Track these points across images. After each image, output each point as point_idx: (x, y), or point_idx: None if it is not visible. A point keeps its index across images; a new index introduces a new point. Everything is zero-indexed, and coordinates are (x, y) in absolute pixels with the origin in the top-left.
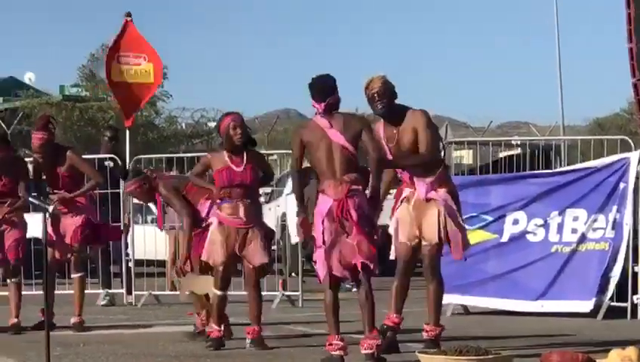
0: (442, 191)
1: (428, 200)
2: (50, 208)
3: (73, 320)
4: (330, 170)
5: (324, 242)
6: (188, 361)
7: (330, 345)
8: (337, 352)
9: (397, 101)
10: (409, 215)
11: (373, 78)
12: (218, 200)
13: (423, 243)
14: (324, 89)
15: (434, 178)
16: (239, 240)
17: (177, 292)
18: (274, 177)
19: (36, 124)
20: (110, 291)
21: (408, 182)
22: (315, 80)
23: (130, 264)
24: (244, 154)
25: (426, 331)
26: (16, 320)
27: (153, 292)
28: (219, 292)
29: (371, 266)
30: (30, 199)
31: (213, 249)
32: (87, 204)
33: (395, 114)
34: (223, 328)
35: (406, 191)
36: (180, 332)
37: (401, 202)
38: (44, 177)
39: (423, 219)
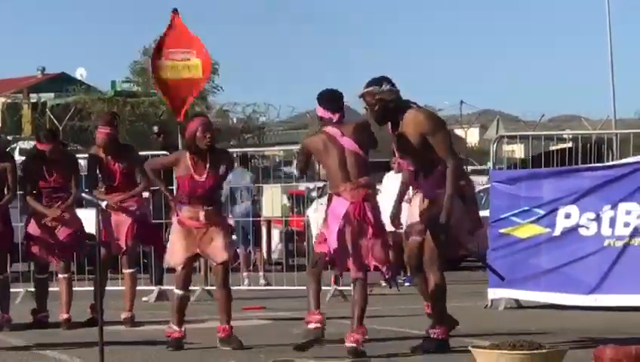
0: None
1: (430, 198)
2: (104, 204)
3: (124, 315)
4: (343, 173)
5: (341, 243)
6: (241, 356)
7: (308, 322)
8: (314, 325)
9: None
10: (417, 212)
11: (364, 91)
12: (179, 203)
13: (426, 238)
14: (335, 99)
15: (434, 176)
16: (199, 240)
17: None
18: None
19: (102, 120)
20: (162, 287)
21: (414, 182)
22: (326, 92)
23: None
24: (208, 158)
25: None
26: (67, 315)
27: (206, 288)
28: (180, 292)
29: (383, 269)
30: (83, 195)
31: (174, 250)
32: (140, 201)
33: (391, 117)
34: (184, 329)
35: (411, 192)
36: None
37: (408, 202)
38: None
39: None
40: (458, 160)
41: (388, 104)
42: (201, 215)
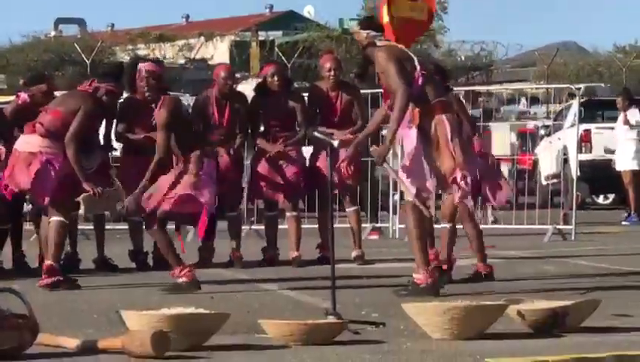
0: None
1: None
2: (335, 143)
3: (354, 253)
4: None
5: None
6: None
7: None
8: (182, 279)
9: None
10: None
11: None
12: None
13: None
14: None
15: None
16: None
17: None
18: None
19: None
20: (377, 225)
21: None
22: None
23: (397, 197)
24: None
25: None
26: (297, 253)
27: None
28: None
29: None
30: (315, 134)
31: None
32: None
33: (368, 59)
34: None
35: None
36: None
37: None
38: None
39: None
40: (405, 87)
41: (361, 46)
42: None
